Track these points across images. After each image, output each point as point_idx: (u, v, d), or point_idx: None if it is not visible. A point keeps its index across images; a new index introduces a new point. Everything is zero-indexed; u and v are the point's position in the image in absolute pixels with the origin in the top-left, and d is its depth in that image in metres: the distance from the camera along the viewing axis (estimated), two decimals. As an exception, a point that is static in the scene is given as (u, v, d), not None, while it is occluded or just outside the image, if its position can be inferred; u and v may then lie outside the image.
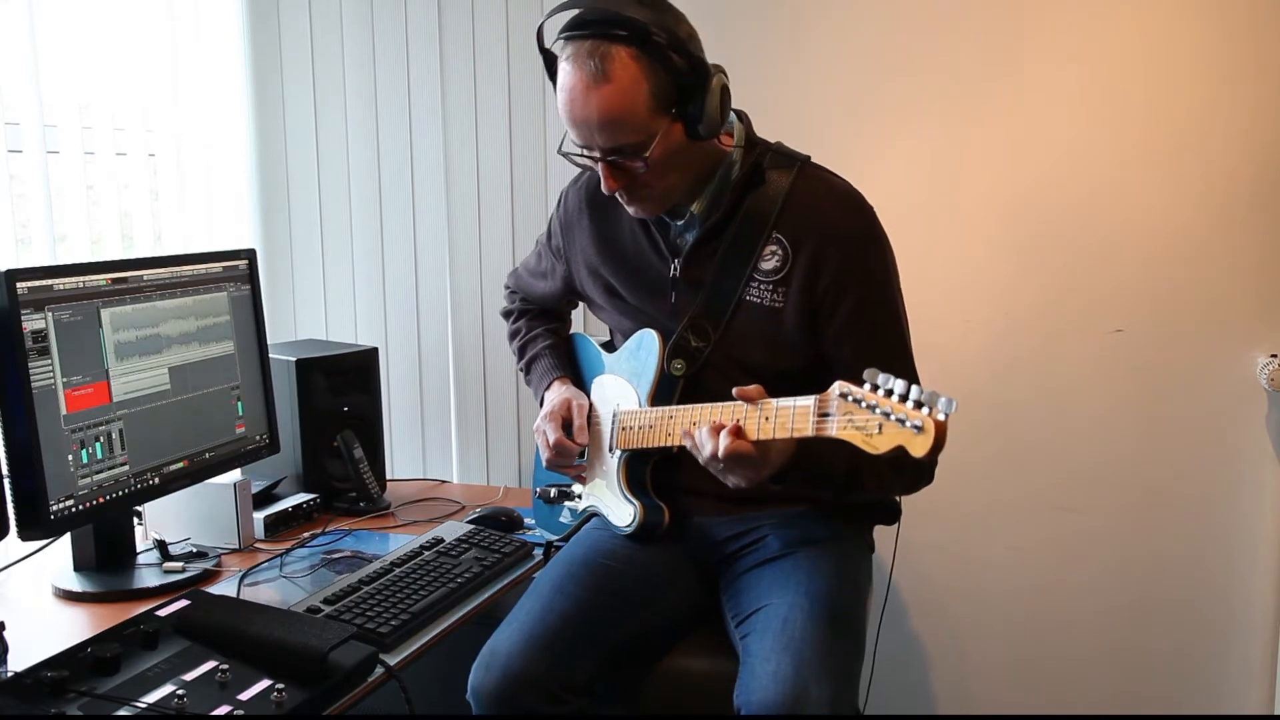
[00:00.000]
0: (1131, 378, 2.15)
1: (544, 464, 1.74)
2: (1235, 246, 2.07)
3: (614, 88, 1.42)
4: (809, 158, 1.61)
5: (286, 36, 2.49)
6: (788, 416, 1.31)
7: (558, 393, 1.77)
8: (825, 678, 1.35)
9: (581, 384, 1.82)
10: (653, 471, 1.66)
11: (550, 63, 1.52)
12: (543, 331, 1.89)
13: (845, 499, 1.61)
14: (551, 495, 1.82)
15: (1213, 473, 2.14)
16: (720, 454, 1.36)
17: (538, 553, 1.85)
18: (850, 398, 1.22)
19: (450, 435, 2.57)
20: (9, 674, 1.32)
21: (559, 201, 1.81)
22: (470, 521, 1.96)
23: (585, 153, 1.51)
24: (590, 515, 1.76)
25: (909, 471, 1.50)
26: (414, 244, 2.52)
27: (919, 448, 1.13)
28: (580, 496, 1.78)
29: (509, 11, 2.37)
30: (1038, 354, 2.19)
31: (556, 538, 1.84)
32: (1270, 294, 2.07)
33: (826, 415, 1.25)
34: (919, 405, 1.13)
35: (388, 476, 2.29)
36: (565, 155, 1.55)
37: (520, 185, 2.43)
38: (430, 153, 2.47)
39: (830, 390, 1.25)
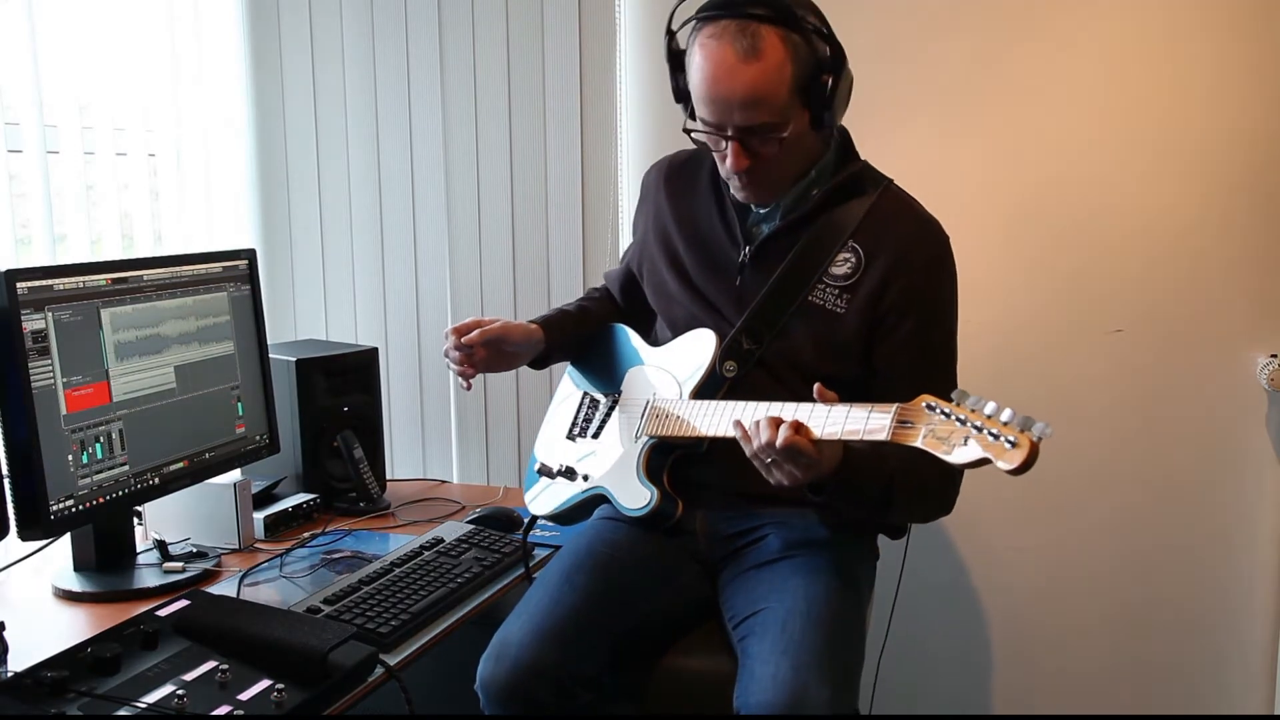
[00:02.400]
0: (1131, 378, 2.15)
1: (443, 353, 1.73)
2: (1235, 247, 2.07)
3: (763, 65, 1.45)
4: (892, 180, 1.64)
5: (286, 36, 2.49)
6: (861, 420, 1.32)
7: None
8: (825, 680, 1.35)
9: (608, 367, 1.80)
10: (672, 466, 1.66)
11: (672, 41, 1.55)
12: (578, 301, 1.90)
13: (873, 519, 1.64)
14: (554, 470, 1.79)
15: (1213, 473, 2.14)
16: (779, 443, 1.35)
17: (538, 553, 1.84)
18: (939, 411, 1.24)
19: (450, 435, 2.57)
20: (9, 674, 1.32)
21: (642, 184, 1.83)
22: (470, 521, 1.96)
23: (713, 130, 1.52)
24: (595, 498, 1.73)
25: (935, 495, 1.55)
26: (414, 244, 2.52)
27: (1009, 460, 1.16)
28: (585, 478, 1.75)
29: (509, 11, 2.37)
30: (1038, 354, 2.19)
31: (538, 512, 1.80)
32: (1270, 294, 2.07)
33: (907, 424, 1.27)
34: (1010, 424, 1.17)
35: (388, 476, 2.29)
36: (689, 132, 1.56)
37: (520, 185, 2.43)
38: (430, 153, 2.47)
39: (917, 400, 1.28)
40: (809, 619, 1.44)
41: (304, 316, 2.59)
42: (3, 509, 1.54)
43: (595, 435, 1.75)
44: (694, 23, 1.51)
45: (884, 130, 2.19)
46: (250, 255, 1.97)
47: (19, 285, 1.53)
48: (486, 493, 2.32)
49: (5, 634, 1.38)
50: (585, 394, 1.83)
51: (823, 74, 1.49)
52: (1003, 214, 2.17)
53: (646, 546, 1.65)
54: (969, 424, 1.20)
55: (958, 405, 1.22)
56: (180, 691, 1.24)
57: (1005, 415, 1.18)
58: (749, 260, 1.63)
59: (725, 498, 1.66)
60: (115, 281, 1.69)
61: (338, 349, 2.23)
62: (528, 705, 1.42)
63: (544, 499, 1.81)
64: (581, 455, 1.76)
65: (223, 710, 1.23)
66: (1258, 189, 2.04)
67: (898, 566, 1.77)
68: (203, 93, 2.38)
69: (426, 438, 2.58)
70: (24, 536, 1.57)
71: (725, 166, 1.55)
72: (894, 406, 1.30)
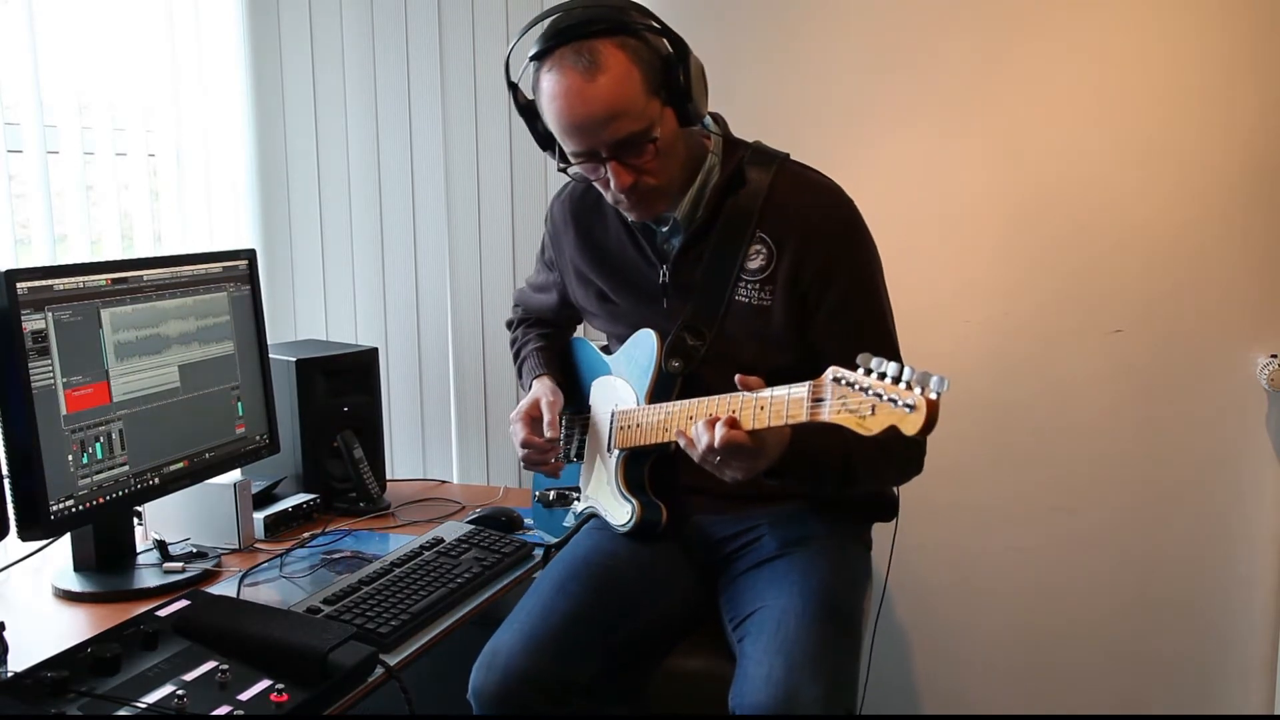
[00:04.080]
0: (1131, 378, 2.15)
1: (522, 464, 1.74)
2: (1235, 247, 2.07)
3: (609, 77, 1.43)
4: (788, 155, 1.62)
5: (286, 36, 2.49)
6: (782, 404, 1.31)
7: (532, 391, 1.77)
8: (818, 678, 1.35)
9: (577, 385, 1.82)
10: (651, 471, 1.67)
11: (516, 94, 1.55)
12: (535, 335, 1.90)
13: (841, 493, 1.62)
14: (550, 499, 1.82)
15: (1213, 473, 2.14)
16: (716, 444, 1.36)
17: (537, 553, 1.84)
18: (844, 381, 1.23)
19: (450, 435, 2.57)
20: (9, 674, 1.32)
21: (547, 216, 1.83)
22: (470, 521, 1.96)
23: (587, 159, 1.51)
24: (589, 516, 1.76)
25: (899, 459, 1.54)
26: (414, 244, 2.52)
27: (911, 426, 1.13)
28: (577, 499, 1.78)
29: (509, 11, 2.37)
30: (1038, 355, 2.19)
31: (554, 541, 1.83)
32: (1270, 294, 2.07)
33: (820, 400, 1.26)
34: (910, 386, 1.14)
35: (388, 476, 2.29)
36: (565, 170, 1.55)
37: (520, 185, 2.43)
38: (430, 153, 2.47)
39: (824, 375, 1.26)
40: (803, 617, 1.44)
41: (304, 316, 2.59)
42: (3, 509, 1.54)
43: (579, 455, 1.76)
44: (532, 66, 1.50)
45: (884, 131, 2.19)
46: (250, 255, 1.97)
47: (19, 285, 1.53)
48: (486, 493, 2.32)
49: (5, 634, 1.38)
50: (562, 416, 1.83)
51: (670, 69, 1.47)
52: (1003, 214, 2.17)
53: (642, 553, 1.65)
54: (872, 391, 1.18)
55: (863, 374, 1.20)
56: (180, 691, 1.24)
57: (906, 375, 1.15)
58: (669, 279, 1.62)
59: (718, 501, 1.65)
60: (115, 281, 1.69)
61: (338, 349, 2.24)
62: (520, 714, 1.42)
63: (553, 526, 1.84)
64: (572, 478, 1.79)
65: (223, 710, 1.23)
66: (1257, 189, 2.04)
67: (885, 563, 1.77)
68: (203, 93, 2.38)
69: (426, 438, 2.58)
70: (24, 536, 1.57)
71: (610, 192, 1.54)
72: (806, 385, 1.28)
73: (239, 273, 1.94)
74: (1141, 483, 2.18)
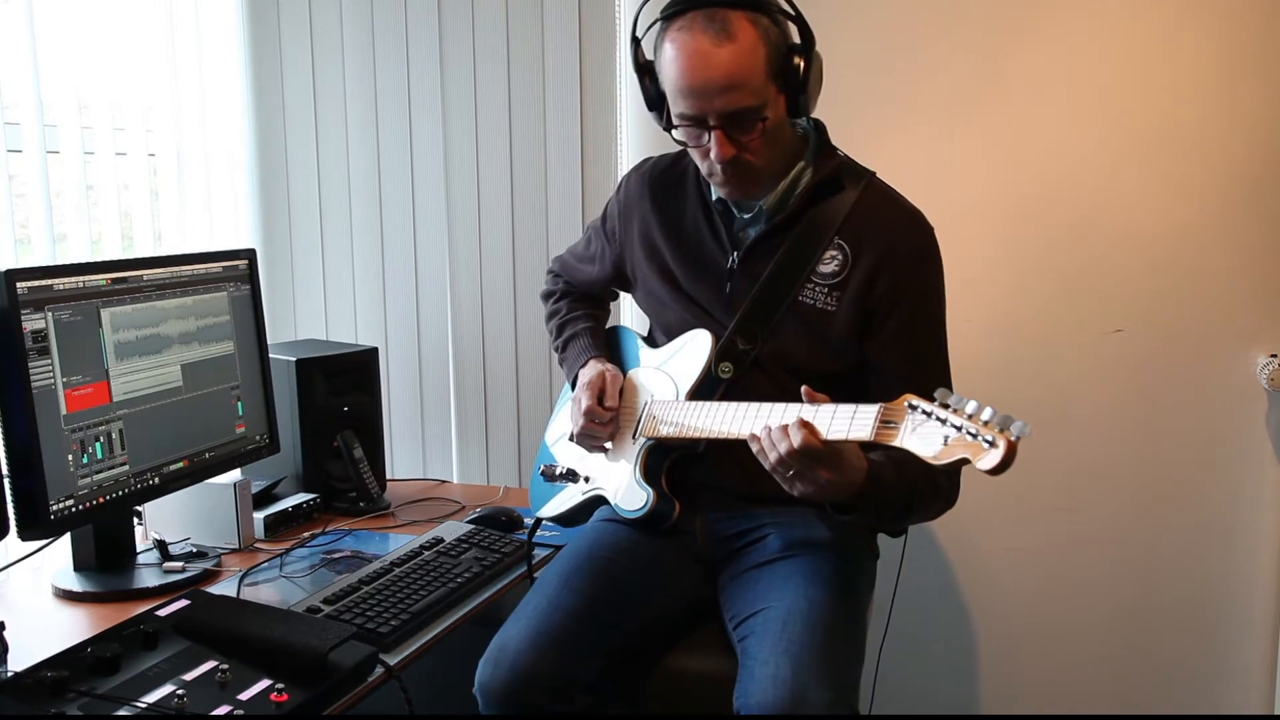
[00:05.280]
0: (1131, 378, 2.15)
1: (575, 435, 1.71)
2: (1235, 246, 2.07)
3: (737, 47, 1.45)
4: (875, 174, 1.64)
5: (286, 36, 2.49)
6: (847, 419, 1.32)
7: (593, 368, 1.75)
8: (825, 681, 1.35)
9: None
10: (670, 467, 1.66)
11: (638, 51, 1.56)
12: (583, 314, 1.88)
13: (888, 527, 1.65)
14: (556, 473, 1.79)
15: (1213, 473, 2.14)
16: (796, 446, 1.34)
17: (538, 553, 1.84)
18: (920, 410, 1.24)
19: (450, 435, 2.57)
20: (9, 674, 1.32)
21: (619, 186, 1.81)
22: (470, 521, 1.96)
23: (694, 125, 1.51)
24: (594, 500, 1.73)
25: (946, 494, 1.55)
26: (414, 244, 2.52)
27: (987, 462, 1.15)
28: (586, 479, 1.75)
29: (509, 11, 2.37)
30: (1038, 354, 2.19)
31: (542, 515, 1.81)
32: (1270, 294, 2.07)
33: (890, 424, 1.27)
34: (989, 424, 1.16)
35: (388, 476, 2.29)
36: (671, 131, 1.55)
37: (520, 185, 2.43)
38: (430, 153, 2.47)
39: (900, 400, 1.27)
40: (809, 619, 1.44)
41: (304, 316, 2.59)
42: (3, 509, 1.54)
43: (610, 422, 1.74)
44: (659, 24, 1.52)
45: (885, 130, 2.19)
46: (250, 255, 1.97)
47: (19, 285, 1.53)
48: (486, 493, 2.32)
49: (5, 634, 1.38)
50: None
51: (794, 56, 1.49)
52: (1003, 214, 2.17)
53: (646, 549, 1.65)
54: (949, 423, 1.20)
55: (940, 405, 1.22)
56: (180, 691, 1.24)
57: (986, 414, 1.17)
58: (738, 265, 1.63)
59: (725, 498, 1.66)
60: (115, 281, 1.69)
61: (338, 349, 2.23)
62: (526, 710, 1.42)
63: (547, 501, 1.82)
64: (583, 457, 1.76)
65: (223, 710, 1.23)
66: (1258, 189, 2.04)
67: (896, 566, 1.77)
68: (203, 93, 2.38)
69: (426, 438, 2.58)
70: (24, 536, 1.57)
71: (708, 161, 1.54)
72: (878, 406, 1.29)
73: (239, 272, 1.94)
74: (1141, 482, 2.18)
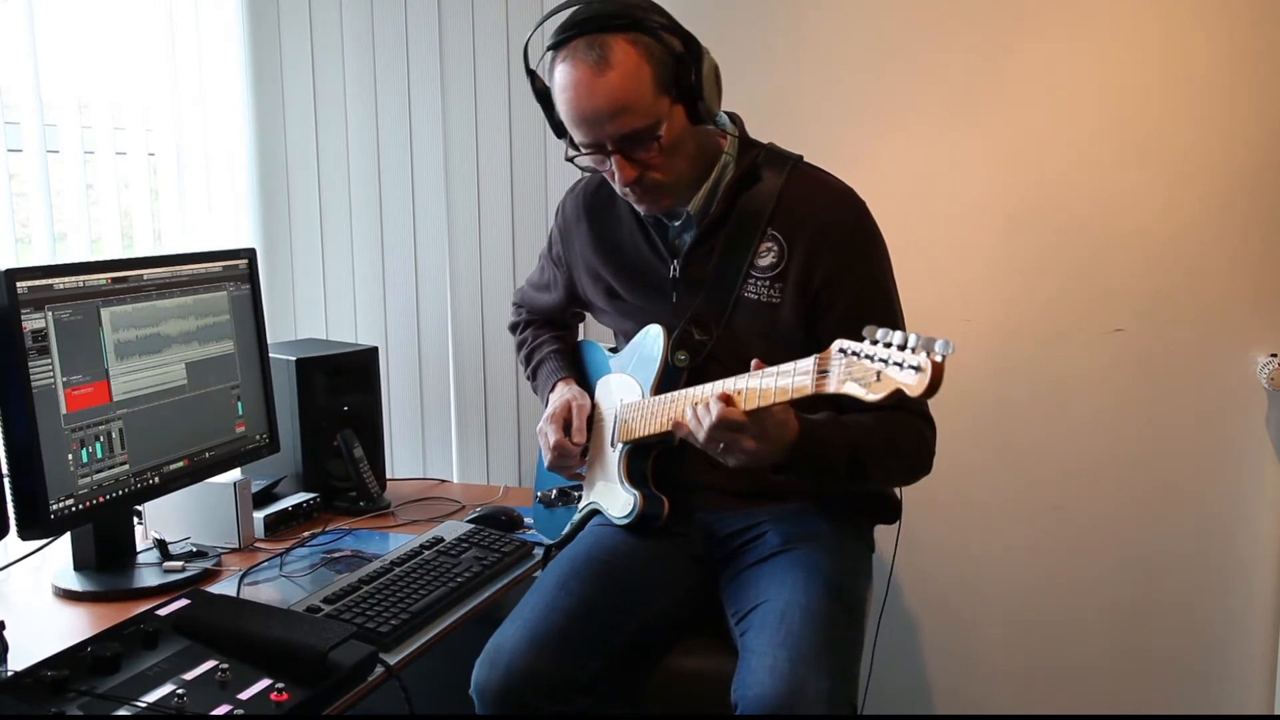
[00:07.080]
0: (1131, 378, 2.15)
1: (545, 466, 1.74)
2: (1235, 246, 2.07)
3: (618, 73, 1.46)
4: (801, 157, 1.64)
5: (286, 36, 2.49)
6: (789, 378, 1.32)
7: (559, 394, 1.78)
8: (823, 672, 1.35)
9: (588, 386, 1.82)
10: (654, 465, 1.67)
11: (535, 81, 1.58)
12: (548, 338, 1.91)
13: (849, 489, 1.63)
14: (552, 498, 1.82)
15: (1213, 473, 2.14)
16: (714, 420, 1.36)
17: (537, 552, 1.85)
18: (849, 352, 1.24)
19: (450, 435, 2.57)
20: (9, 673, 1.32)
21: (558, 211, 1.83)
22: (470, 521, 1.96)
23: (594, 151, 1.53)
24: (590, 513, 1.75)
25: (908, 454, 1.55)
26: (414, 244, 2.52)
27: (916, 388, 1.14)
28: (579, 497, 1.78)
29: (509, 11, 2.37)
30: (1038, 354, 2.19)
31: (552, 542, 1.83)
32: (1270, 294, 2.07)
33: (825, 372, 1.27)
34: (914, 350, 1.15)
35: (388, 476, 2.29)
36: (572, 160, 1.57)
37: (520, 185, 2.43)
38: (430, 153, 2.47)
39: (830, 348, 1.27)
40: (807, 611, 1.44)
41: (304, 316, 2.59)
42: (3, 508, 1.54)
43: (583, 455, 1.76)
44: (548, 55, 1.53)
45: (884, 131, 2.19)
46: (250, 255, 1.97)
47: (19, 285, 1.53)
48: (486, 492, 2.32)
49: (5, 633, 1.38)
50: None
51: (682, 67, 1.50)
52: (1003, 214, 2.17)
53: (645, 550, 1.65)
54: (876, 358, 1.19)
55: (869, 343, 1.21)
56: (180, 691, 1.24)
57: (911, 340, 1.16)
58: (679, 274, 1.64)
59: (721, 498, 1.66)
60: (115, 281, 1.69)
61: (338, 349, 2.24)
62: (522, 711, 1.42)
63: (552, 528, 1.85)
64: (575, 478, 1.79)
65: (223, 710, 1.23)
66: (1258, 189, 2.04)
67: (888, 564, 1.77)
68: (203, 93, 2.38)
69: (426, 437, 2.58)
70: (24, 536, 1.57)
71: (616, 184, 1.56)
72: (812, 357, 1.29)
73: (239, 272, 1.94)
74: (1141, 482, 2.18)
